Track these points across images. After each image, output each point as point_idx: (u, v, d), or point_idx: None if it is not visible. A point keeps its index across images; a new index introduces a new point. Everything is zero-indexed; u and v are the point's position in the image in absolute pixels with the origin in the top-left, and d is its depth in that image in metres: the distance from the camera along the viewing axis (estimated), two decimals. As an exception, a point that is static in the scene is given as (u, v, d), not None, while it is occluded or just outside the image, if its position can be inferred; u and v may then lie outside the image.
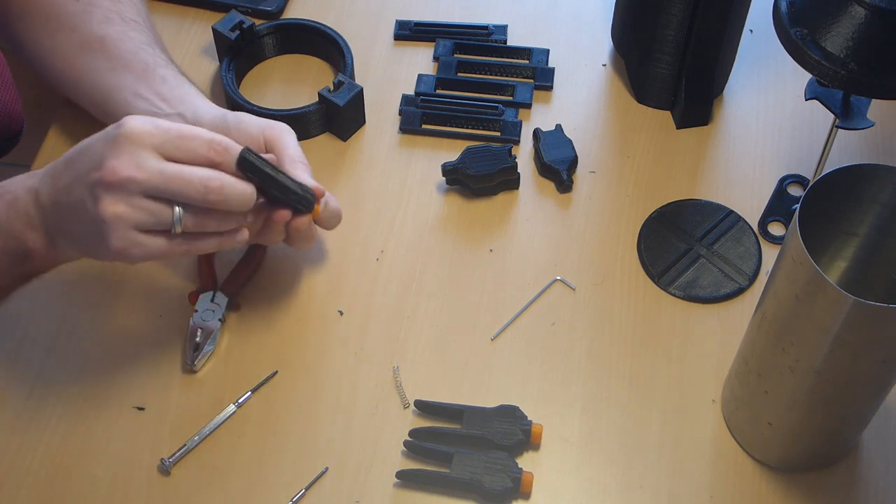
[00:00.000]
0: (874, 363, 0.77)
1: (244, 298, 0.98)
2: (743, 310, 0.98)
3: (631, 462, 0.90)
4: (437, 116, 1.09)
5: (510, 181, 1.05)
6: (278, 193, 0.88)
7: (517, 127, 1.09)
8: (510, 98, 1.12)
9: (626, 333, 0.97)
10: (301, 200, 0.88)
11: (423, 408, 0.92)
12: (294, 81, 1.13)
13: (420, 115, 1.09)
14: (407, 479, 0.88)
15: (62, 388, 0.93)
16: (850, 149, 1.08)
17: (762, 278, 1.00)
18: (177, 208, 0.82)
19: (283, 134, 0.92)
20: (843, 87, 0.85)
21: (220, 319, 0.95)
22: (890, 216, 0.80)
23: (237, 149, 0.83)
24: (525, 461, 0.90)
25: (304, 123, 1.07)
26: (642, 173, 1.07)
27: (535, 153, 1.07)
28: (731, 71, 1.12)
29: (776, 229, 1.03)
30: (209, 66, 1.13)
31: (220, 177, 0.82)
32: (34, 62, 1.04)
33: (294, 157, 0.91)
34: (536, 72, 1.13)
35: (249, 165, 0.84)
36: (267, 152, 0.91)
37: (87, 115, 1.06)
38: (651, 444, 0.91)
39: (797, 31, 0.86)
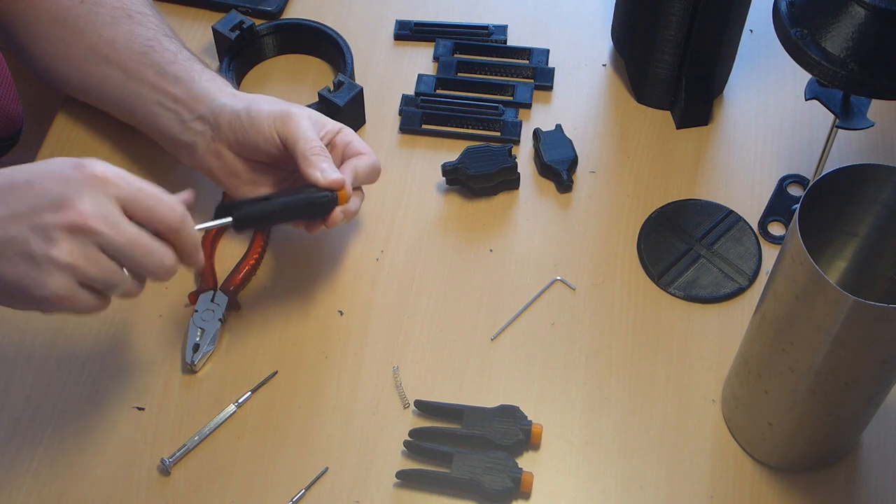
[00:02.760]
0: (874, 363, 0.77)
1: (244, 298, 0.98)
2: (743, 310, 0.98)
3: (631, 462, 0.90)
4: (437, 116, 1.09)
5: (510, 181, 1.05)
6: (291, 217, 0.88)
7: (517, 127, 1.09)
8: (510, 98, 1.12)
9: (626, 333, 0.97)
10: (318, 208, 0.88)
11: (423, 408, 0.92)
12: (294, 81, 1.13)
13: (420, 115, 1.09)
14: (407, 479, 0.88)
15: (62, 388, 0.93)
16: (850, 149, 1.08)
17: (762, 278, 1.00)
18: (126, 276, 0.78)
19: (296, 127, 0.90)
20: (843, 87, 0.85)
21: (220, 319, 0.95)
22: (890, 216, 0.80)
23: (192, 229, 0.80)
24: (525, 461, 0.90)
25: (304, 123, 1.07)
26: (642, 173, 1.07)
27: (535, 153, 1.07)
28: (731, 71, 1.11)
29: (776, 229, 1.03)
30: (209, 66, 1.13)
31: (175, 259, 0.79)
32: (47, 72, 1.03)
33: (306, 152, 0.89)
34: (536, 72, 1.13)
35: (246, 224, 0.86)
36: (282, 147, 0.90)
37: (88, 115, 1.06)
38: (651, 444, 0.91)
39: (797, 31, 0.86)
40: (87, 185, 0.75)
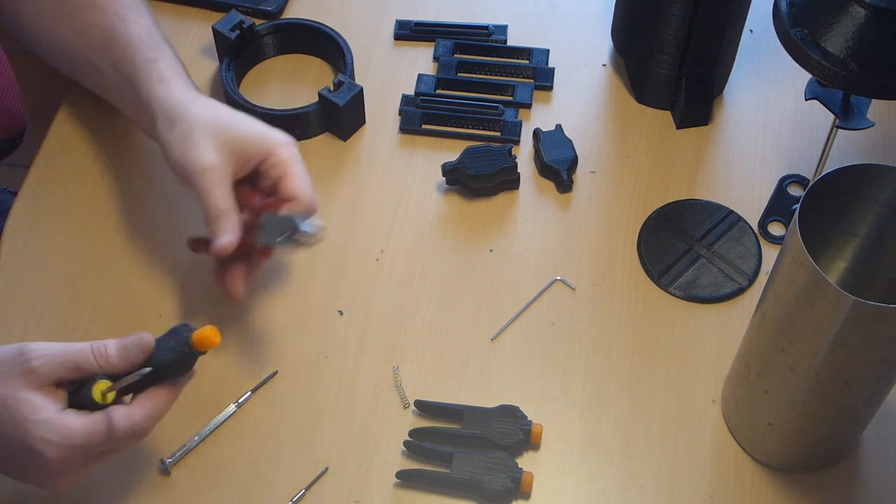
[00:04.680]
0: (874, 363, 0.77)
1: (244, 298, 0.98)
2: (743, 310, 0.98)
3: (631, 462, 0.90)
4: (437, 116, 1.09)
5: (510, 181, 1.05)
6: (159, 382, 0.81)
7: (517, 127, 1.09)
8: (510, 98, 1.12)
9: (626, 333, 0.97)
10: (174, 367, 0.80)
11: (423, 408, 0.92)
12: (294, 81, 1.13)
13: (420, 115, 1.09)
14: (407, 479, 0.88)
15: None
16: (850, 149, 1.08)
17: (762, 278, 1.00)
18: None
19: (198, 188, 0.87)
20: (843, 87, 0.85)
21: (220, 319, 0.95)
22: (890, 216, 0.80)
23: (114, 352, 0.78)
24: (525, 461, 0.90)
25: (304, 123, 1.07)
26: (642, 173, 1.07)
27: (535, 153, 1.07)
28: (731, 71, 1.12)
29: (776, 229, 1.03)
30: (209, 66, 1.13)
31: (143, 426, 0.79)
32: (48, 54, 1.02)
33: (206, 218, 0.86)
34: (536, 72, 1.13)
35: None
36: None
37: (87, 115, 1.07)
38: (651, 444, 0.91)
39: (797, 31, 0.86)
40: (29, 412, 0.76)
